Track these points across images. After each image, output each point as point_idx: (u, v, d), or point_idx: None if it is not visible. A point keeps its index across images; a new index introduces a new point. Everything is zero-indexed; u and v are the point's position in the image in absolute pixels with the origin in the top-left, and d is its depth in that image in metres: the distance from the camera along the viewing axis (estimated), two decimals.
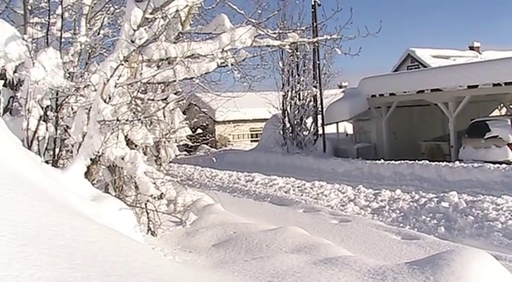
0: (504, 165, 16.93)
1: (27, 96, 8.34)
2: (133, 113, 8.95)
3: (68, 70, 9.62)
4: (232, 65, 10.14)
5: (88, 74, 9.46)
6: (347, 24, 10.78)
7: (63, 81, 8.77)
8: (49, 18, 9.94)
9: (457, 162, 19.13)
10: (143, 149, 10.12)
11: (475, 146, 20.97)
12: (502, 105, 27.18)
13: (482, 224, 9.66)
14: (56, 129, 9.30)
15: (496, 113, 26.96)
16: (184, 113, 12.18)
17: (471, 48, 45.03)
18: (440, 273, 4.51)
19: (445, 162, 18.95)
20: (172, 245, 8.59)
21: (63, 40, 10.04)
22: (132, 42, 8.66)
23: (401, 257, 8.12)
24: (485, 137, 20.60)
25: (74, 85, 9.19)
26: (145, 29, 8.85)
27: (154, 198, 9.40)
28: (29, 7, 10.32)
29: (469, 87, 22.04)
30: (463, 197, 11.50)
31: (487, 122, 21.43)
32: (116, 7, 11.94)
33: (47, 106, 8.93)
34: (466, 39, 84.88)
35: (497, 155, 19.98)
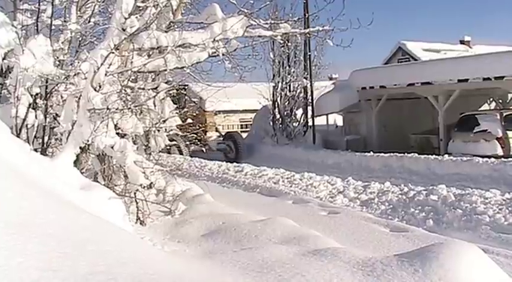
0: (493, 159, 17.04)
1: (17, 83, 8.27)
2: (124, 101, 8.90)
3: (58, 58, 9.53)
4: (223, 55, 10.11)
5: (78, 62, 9.38)
6: (339, 16, 10.76)
7: (53, 69, 8.70)
8: (39, 5, 9.84)
9: (446, 155, 19.24)
10: (133, 138, 10.09)
11: (464, 139, 21.07)
12: (491, 99, 27.30)
13: (471, 217, 9.70)
14: (45, 117, 9.23)
15: (485, 107, 27.07)
16: (174, 102, 12.12)
17: (462, 42, 45.22)
18: (429, 265, 4.52)
19: (434, 156, 19.02)
20: (161, 234, 8.57)
21: (53, 27, 9.95)
22: (123, 30, 8.61)
23: (390, 249, 8.13)
24: (475, 131, 20.71)
25: (63, 73, 9.12)
26: (136, 17, 8.81)
27: (144, 187, 9.38)
28: None
29: (459, 81, 22.11)
30: (452, 190, 11.53)
31: (476, 116, 21.54)
32: None
33: (37, 94, 8.86)
34: (457, 33, 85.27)
35: (486, 149, 20.08)
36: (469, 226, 9.46)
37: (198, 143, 27.33)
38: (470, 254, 4.74)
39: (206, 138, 28.49)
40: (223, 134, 30.04)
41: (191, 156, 25.04)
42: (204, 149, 26.35)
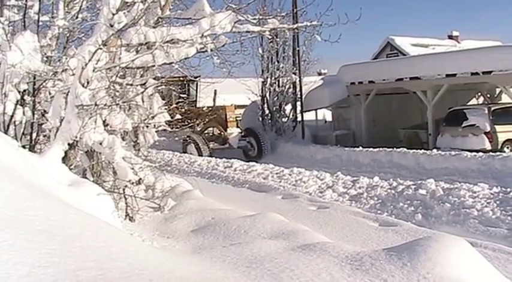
0: (481, 154, 17.15)
1: (4, 80, 8.24)
2: (112, 97, 8.88)
3: (45, 54, 9.50)
4: (211, 50, 10.10)
5: (66, 58, 9.34)
6: (327, 11, 10.79)
7: (40, 65, 8.67)
8: (26, 0, 9.80)
9: (434, 150, 19.34)
10: (121, 134, 10.06)
11: (452, 134, 21.23)
12: (479, 94, 27.42)
13: (459, 211, 9.76)
14: (33, 114, 9.20)
15: (473, 102, 27.20)
16: (163, 98, 12.09)
17: (450, 37, 45.33)
18: (417, 259, 4.55)
19: (423, 150, 19.13)
20: (150, 230, 8.57)
21: (40, 23, 9.91)
22: (111, 26, 8.58)
23: (379, 243, 8.18)
24: (463, 125, 20.89)
25: (51, 69, 9.08)
26: (124, 13, 8.77)
27: (133, 183, 9.37)
28: None
29: (447, 75, 22.23)
30: (440, 184, 11.59)
31: (464, 110, 21.72)
32: None
33: (24, 90, 8.84)
34: (445, 28, 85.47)
35: (474, 143, 20.26)
36: (458, 220, 9.52)
37: (216, 140, 25.80)
38: (458, 248, 4.78)
39: (226, 134, 25.99)
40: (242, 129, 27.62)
41: (210, 156, 22.98)
42: (223, 147, 25.18)
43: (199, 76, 29.23)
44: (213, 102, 28.15)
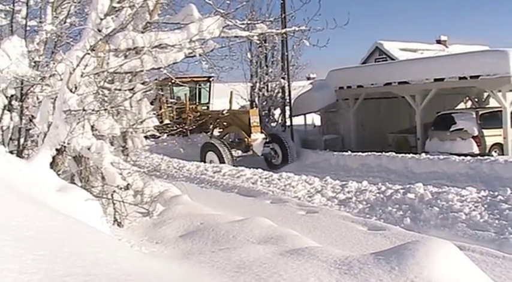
0: (469, 158, 17.25)
1: None
2: (100, 103, 8.85)
3: (33, 59, 9.47)
4: (200, 55, 10.11)
5: (54, 63, 9.31)
6: (315, 16, 10.83)
7: (28, 70, 8.65)
8: (13, 5, 9.78)
9: (423, 154, 19.42)
10: (110, 140, 10.03)
11: (441, 138, 21.38)
12: (467, 98, 27.59)
13: (447, 215, 9.80)
14: (21, 119, 9.17)
15: (461, 106, 27.37)
16: (152, 103, 12.07)
17: (438, 41, 45.59)
18: (405, 263, 4.57)
19: (411, 154, 19.19)
20: (139, 236, 8.54)
21: (28, 28, 9.89)
22: (99, 31, 8.57)
23: (367, 247, 8.19)
24: (451, 129, 21.04)
25: (39, 74, 9.06)
26: (112, 18, 8.77)
27: (121, 189, 9.34)
28: None
29: (435, 80, 22.35)
30: (429, 188, 11.63)
31: (452, 114, 21.89)
32: None
33: (12, 95, 8.81)
34: (434, 32, 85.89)
35: (463, 147, 20.40)
36: (446, 224, 9.57)
37: (238, 146, 23.43)
38: (446, 251, 4.80)
39: (250, 140, 22.85)
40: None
41: (234, 166, 20.09)
42: (246, 154, 23.00)
43: (213, 76, 28.29)
44: (229, 105, 26.43)
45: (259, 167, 19.00)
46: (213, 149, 22.31)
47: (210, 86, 29.98)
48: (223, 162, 21.28)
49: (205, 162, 21.52)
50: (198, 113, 28.16)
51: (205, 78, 28.98)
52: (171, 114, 27.39)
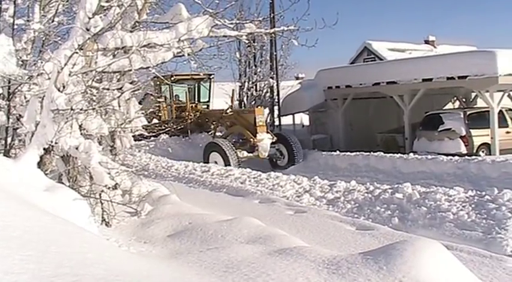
0: (457, 157, 17.34)
1: None
2: (88, 102, 8.83)
3: (20, 58, 9.43)
4: (188, 55, 10.10)
5: (42, 62, 9.28)
6: (304, 16, 10.83)
7: (15, 69, 8.60)
8: (0, 4, 9.73)
9: (411, 154, 19.49)
10: (98, 139, 10.00)
11: (429, 138, 21.49)
12: (455, 98, 27.73)
13: (435, 215, 9.83)
14: (8, 118, 9.12)
15: (449, 106, 27.50)
16: (140, 102, 12.05)
17: (426, 42, 45.74)
18: (393, 262, 4.58)
19: (399, 154, 19.24)
20: (127, 235, 8.51)
21: (16, 27, 9.84)
22: (88, 30, 8.53)
23: (355, 247, 8.21)
24: (439, 129, 21.16)
25: (27, 73, 9.02)
26: (100, 17, 8.74)
27: (109, 188, 9.30)
28: None
29: (423, 80, 22.45)
30: (417, 188, 11.65)
31: (440, 114, 22.01)
32: None
33: None
34: (422, 33, 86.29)
35: (450, 147, 20.52)
36: (434, 223, 9.60)
37: (243, 147, 22.38)
38: (433, 251, 4.82)
39: (256, 141, 21.70)
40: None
41: (239, 166, 19.66)
42: (252, 155, 21.94)
43: (213, 74, 27.80)
44: (231, 103, 25.62)
45: (262, 168, 18.46)
46: (218, 150, 21.50)
47: (210, 84, 29.48)
48: (228, 164, 20.46)
49: (208, 163, 20.82)
50: (199, 112, 27.63)
51: (205, 76, 28.46)
52: (172, 115, 27.05)
